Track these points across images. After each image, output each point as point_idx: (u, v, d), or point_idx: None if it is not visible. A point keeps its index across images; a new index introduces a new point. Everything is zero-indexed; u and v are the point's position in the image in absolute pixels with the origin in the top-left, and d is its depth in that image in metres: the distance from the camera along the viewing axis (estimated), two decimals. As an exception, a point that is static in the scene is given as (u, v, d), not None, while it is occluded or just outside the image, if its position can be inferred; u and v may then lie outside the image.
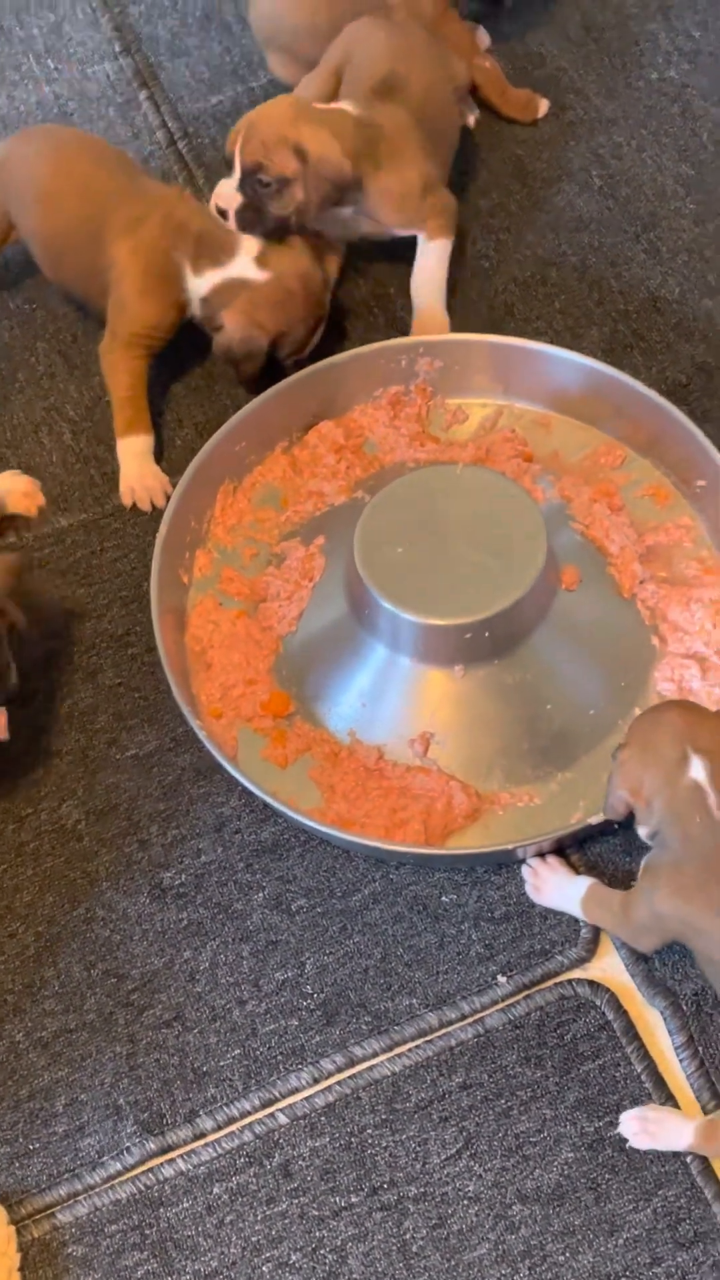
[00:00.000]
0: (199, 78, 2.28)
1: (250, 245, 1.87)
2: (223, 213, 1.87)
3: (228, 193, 1.86)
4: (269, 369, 1.88)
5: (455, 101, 2.04)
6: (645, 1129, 1.45)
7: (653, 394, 1.79)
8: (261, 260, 1.86)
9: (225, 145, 1.88)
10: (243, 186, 1.85)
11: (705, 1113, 1.48)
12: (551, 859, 1.59)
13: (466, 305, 2.02)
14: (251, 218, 1.86)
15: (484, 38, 2.20)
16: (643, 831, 1.44)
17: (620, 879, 1.60)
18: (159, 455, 1.91)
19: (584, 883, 1.55)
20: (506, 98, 2.14)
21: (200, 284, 1.87)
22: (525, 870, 1.60)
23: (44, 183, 1.93)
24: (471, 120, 2.16)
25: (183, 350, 1.92)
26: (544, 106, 2.16)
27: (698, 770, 1.39)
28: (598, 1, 2.29)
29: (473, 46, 2.12)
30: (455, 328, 1.98)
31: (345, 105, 1.91)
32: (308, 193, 1.84)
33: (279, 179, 1.83)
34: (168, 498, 1.85)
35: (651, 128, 2.15)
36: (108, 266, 1.89)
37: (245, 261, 1.86)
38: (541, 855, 1.59)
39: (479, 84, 2.12)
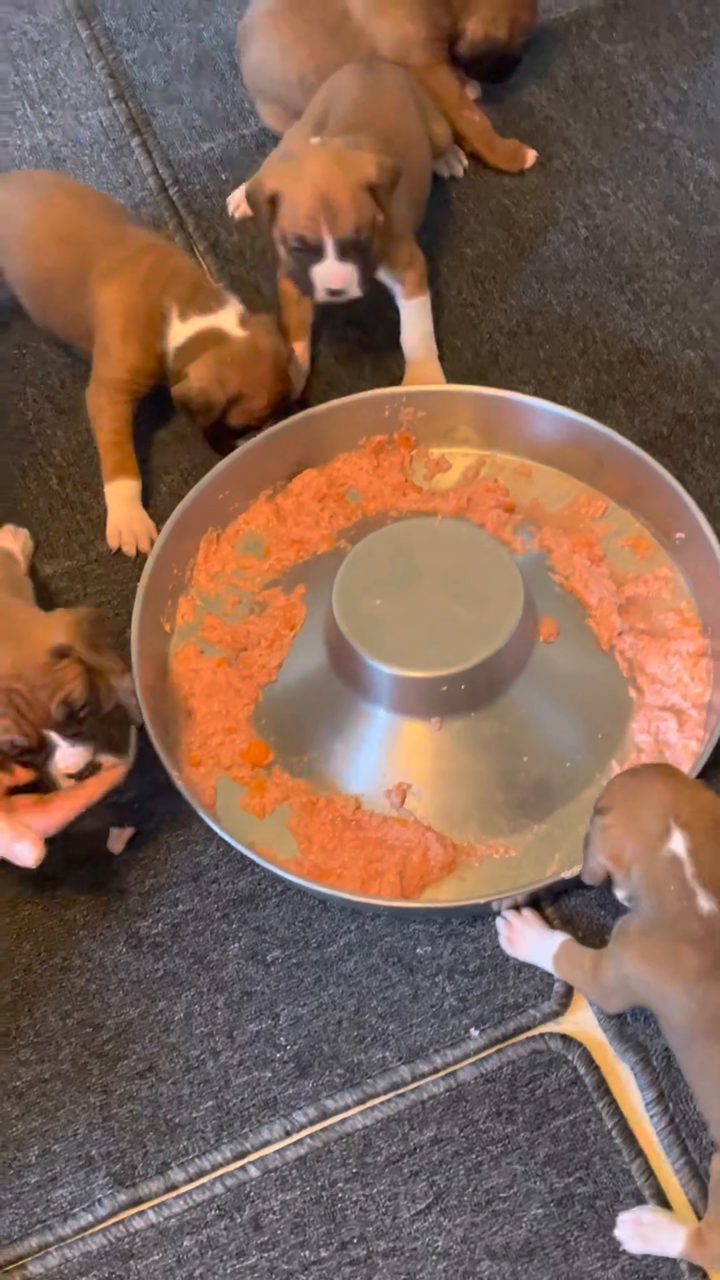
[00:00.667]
0: (191, 125, 2.30)
1: (235, 305, 1.89)
2: (338, 292, 1.84)
3: (340, 270, 1.83)
4: (226, 432, 1.89)
5: (428, 151, 2.05)
6: (639, 1233, 1.44)
7: (633, 446, 1.80)
8: (243, 321, 1.88)
9: (297, 227, 1.84)
10: (345, 255, 1.82)
11: (674, 1171, 1.48)
12: (526, 912, 1.59)
13: (452, 353, 2.03)
14: (364, 276, 1.85)
15: (473, 89, 2.22)
16: (620, 894, 1.45)
17: (595, 932, 1.60)
18: (145, 502, 1.92)
19: (558, 938, 1.55)
20: (494, 148, 2.16)
21: (181, 330, 1.87)
22: (500, 922, 1.60)
23: (29, 229, 1.94)
24: (459, 169, 2.18)
25: (167, 398, 1.93)
26: (531, 157, 2.17)
27: (678, 843, 1.39)
28: (587, 52, 2.30)
29: (462, 98, 2.14)
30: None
31: (351, 141, 1.88)
32: (386, 212, 1.84)
33: (372, 225, 1.83)
34: (153, 543, 1.87)
35: (638, 178, 2.17)
36: (91, 310, 1.90)
37: (229, 316, 1.87)
38: (516, 908, 1.59)
39: (466, 135, 2.14)
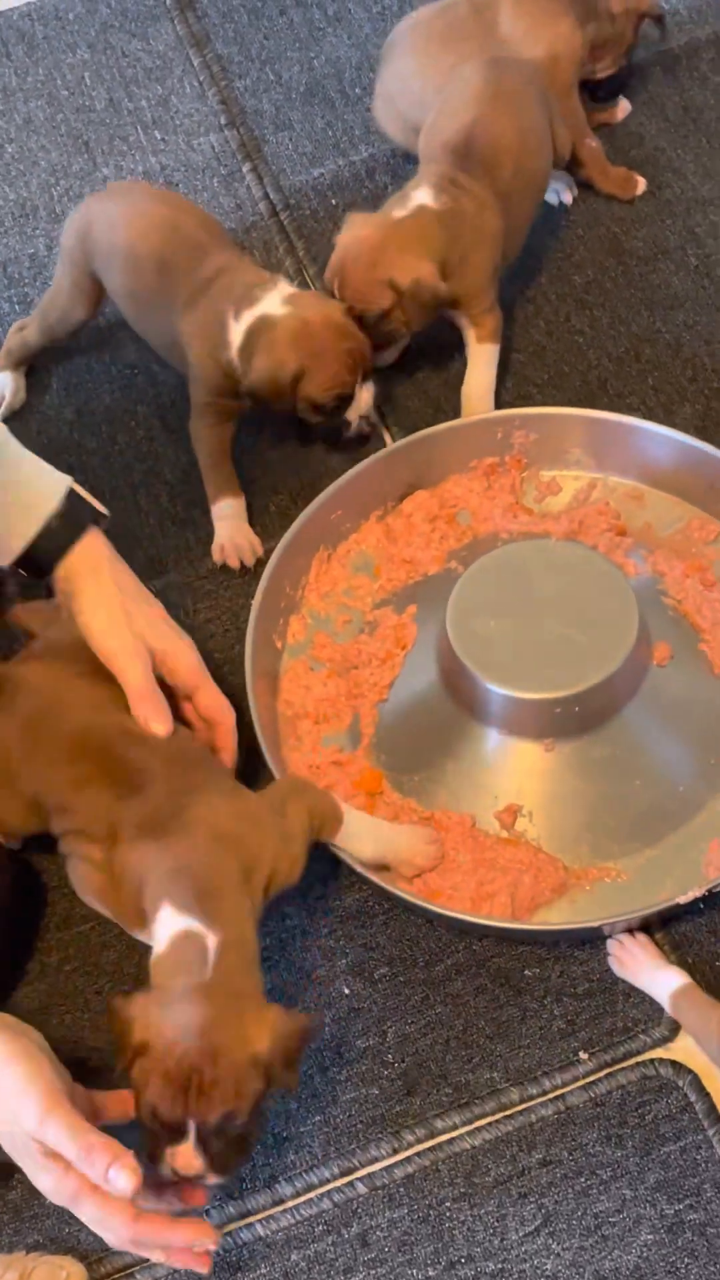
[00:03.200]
0: (301, 151, 2.32)
1: (284, 287, 1.87)
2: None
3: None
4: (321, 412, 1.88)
5: (548, 160, 2.03)
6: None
7: (747, 472, 1.80)
8: (287, 299, 1.85)
9: (325, 277, 1.92)
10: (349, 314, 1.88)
11: (788, 1201, 1.47)
12: (640, 936, 1.58)
13: (560, 379, 2.04)
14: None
15: (625, 105, 2.24)
16: None
17: (705, 959, 1.59)
18: (253, 520, 1.94)
19: (676, 977, 1.53)
20: (607, 175, 2.17)
21: (238, 330, 1.85)
22: (611, 943, 1.59)
23: (126, 248, 1.95)
24: (569, 197, 2.19)
25: (278, 419, 1.94)
26: (642, 184, 2.18)
27: None
28: (697, 82, 2.31)
29: (584, 125, 2.15)
30: (549, 401, 2.00)
31: (424, 195, 1.90)
32: (408, 316, 1.89)
33: (378, 314, 1.87)
34: (258, 558, 1.89)
35: (748, 208, 2.17)
36: (179, 335, 1.92)
37: (273, 300, 1.85)
38: (630, 931, 1.59)
39: (583, 161, 2.15)
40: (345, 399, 1.86)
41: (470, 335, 1.98)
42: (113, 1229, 1.33)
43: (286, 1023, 1.34)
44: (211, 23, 2.49)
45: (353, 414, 1.88)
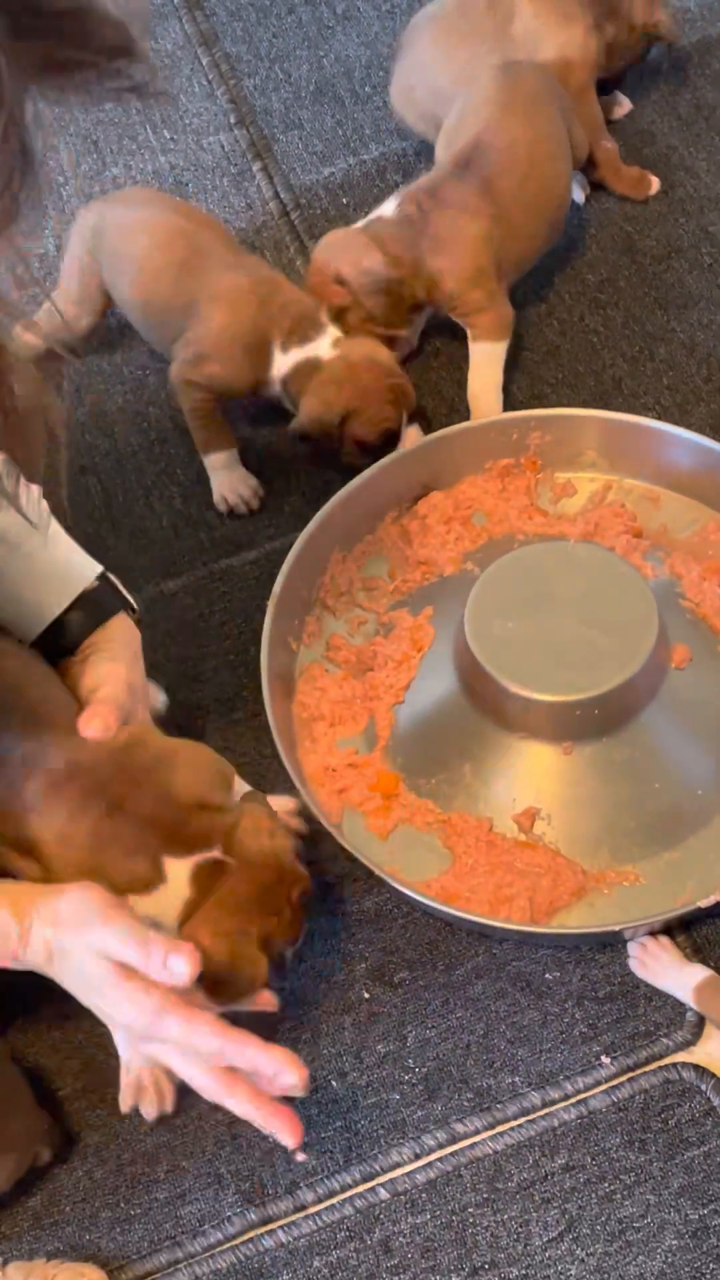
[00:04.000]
0: (311, 150, 2.31)
1: (332, 331, 1.89)
2: None
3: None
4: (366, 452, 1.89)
5: (566, 164, 2.03)
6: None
7: (765, 473, 1.80)
8: (335, 343, 1.88)
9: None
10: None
11: None
12: (663, 938, 1.58)
13: (575, 379, 2.03)
14: None
15: (625, 103, 2.24)
16: None
17: (727, 962, 1.59)
18: (267, 521, 1.93)
19: (699, 970, 1.53)
20: (620, 175, 2.16)
21: (284, 361, 1.88)
22: (633, 945, 1.59)
23: (143, 255, 1.94)
24: (581, 196, 2.18)
25: (287, 422, 1.94)
26: (655, 184, 2.17)
27: None
28: (709, 80, 2.31)
29: (602, 126, 2.14)
30: (563, 401, 1.99)
31: (387, 208, 1.95)
32: (372, 306, 1.92)
33: (335, 310, 1.91)
34: (261, 500, 1.93)
35: (762, 207, 2.17)
36: (194, 325, 1.91)
37: (324, 343, 1.88)
38: (652, 933, 1.58)
39: (598, 161, 2.14)
40: (392, 436, 1.87)
41: (469, 335, 1.97)
42: (201, 1040, 1.29)
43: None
44: (220, 21, 2.48)
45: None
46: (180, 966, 1.29)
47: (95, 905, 1.32)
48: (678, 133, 2.25)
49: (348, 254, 1.92)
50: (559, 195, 2.02)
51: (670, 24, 2.17)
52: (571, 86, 2.08)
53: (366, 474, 1.85)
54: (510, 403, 2.00)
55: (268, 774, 1.74)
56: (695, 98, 2.29)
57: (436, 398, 2.02)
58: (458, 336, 2.01)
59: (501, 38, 2.08)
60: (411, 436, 1.89)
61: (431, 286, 1.94)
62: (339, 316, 1.93)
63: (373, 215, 1.97)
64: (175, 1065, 1.33)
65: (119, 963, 1.30)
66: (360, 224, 1.97)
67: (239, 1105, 1.31)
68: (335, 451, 1.88)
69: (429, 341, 2.07)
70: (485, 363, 1.97)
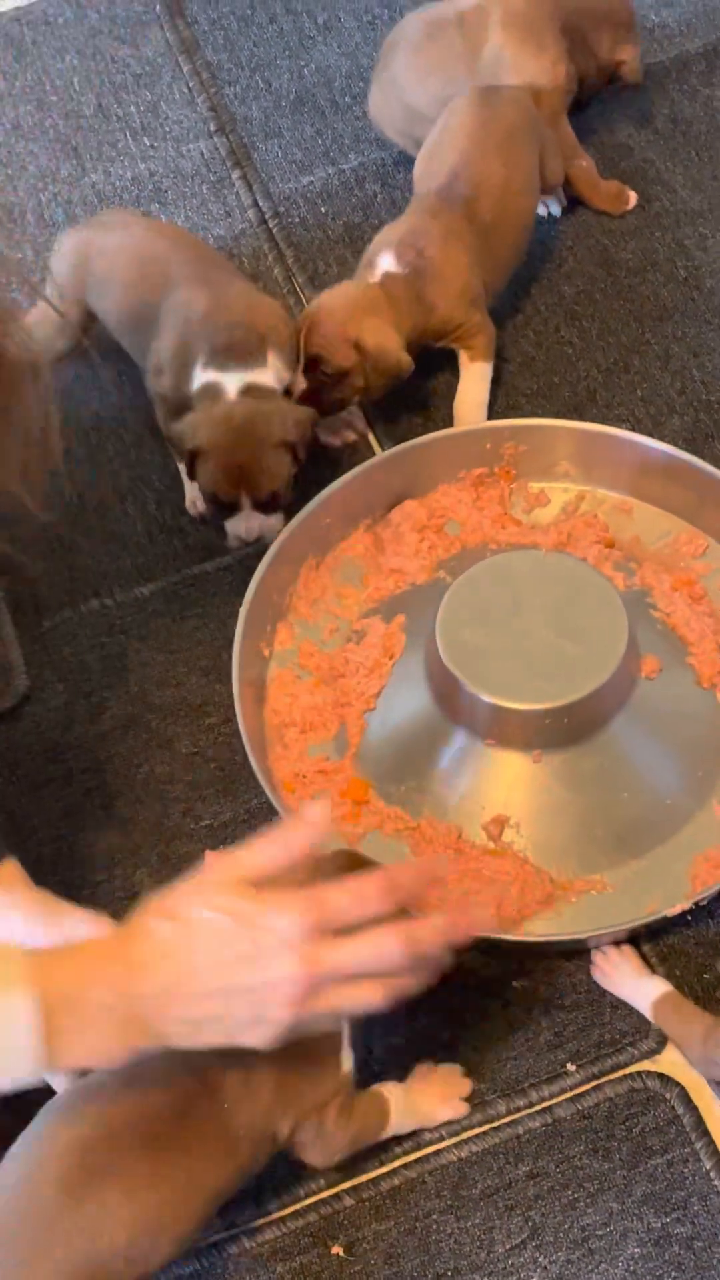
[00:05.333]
0: (291, 159, 2.32)
1: (256, 374, 1.84)
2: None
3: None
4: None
5: (534, 198, 2.06)
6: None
7: (736, 485, 1.81)
8: (245, 390, 1.83)
9: (299, 338, 1.90)
10: (306, 373, 1.88)
11: (775, 1214, 1.47)
12: (625, 947, 1.58)
13: (549, 390, 2.04)
14: (314, 400, 1.89)
15: (632, 199, 2.22)
16: None
17: (693, 971, 1.59)
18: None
19: (658, 984, 1.54)
20: (598, 190, 2.17)
21: (199, 377, 1.85)
22: (595, 954, 1.59)
23: (123, 272, 1.95)
24: (558, 208, 2.19)
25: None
26: (633, 199, 2.18)
27: None
28: (686, 95, 2.32)
29: (576, 146, 2.15)
30: (538, 412, 2.00)
31: (388, 262, 1.92)
32: (368, 381, 1.89)
33: (338, 371, 1.88)
34: None
35: (738, 221, 2.18)
36: (156, 338, 1.91)
37: (235, 381, 1.84)
38: (616, 942, 1.58)
39: (574, 179, 2.16)
40: (224, 505, 1.82)
41: (462, 356, 1.98)
42: (370, 886, 1.22)
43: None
44: (201, 30, 2.49)
45: (234, 528, 1.83)
46: (316, 809, 1.25)
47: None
48: (654, 146, 2.27)
49: (371, 322, 1.88)
50: (528, 225, 2.04)
51: (634, 65, 2.19)
52: (543, 112, 2.09)
53: (340, 482, 1.86)
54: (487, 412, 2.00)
55: (238, 779, 1.75)
56: (672, 112, 2.30)
57: (411, 406, 2.02)
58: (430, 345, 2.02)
59: (473, 63, 2.10)
60: (250, 525, 1.82)
61: (436, 325, 1.94)
62: (339, 381, 1.89)
63: (379, 269, 1.93)
64: (360, 956, 1.22)
65: (249, 886, 1.20)
66: (375, 277, 1.92)
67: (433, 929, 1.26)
68: (192, 473, 1.86)
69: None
70: (477, 382, 1.98)
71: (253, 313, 1.90)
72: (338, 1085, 1.42)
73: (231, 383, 1.84)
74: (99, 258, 1.98)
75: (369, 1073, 1.55)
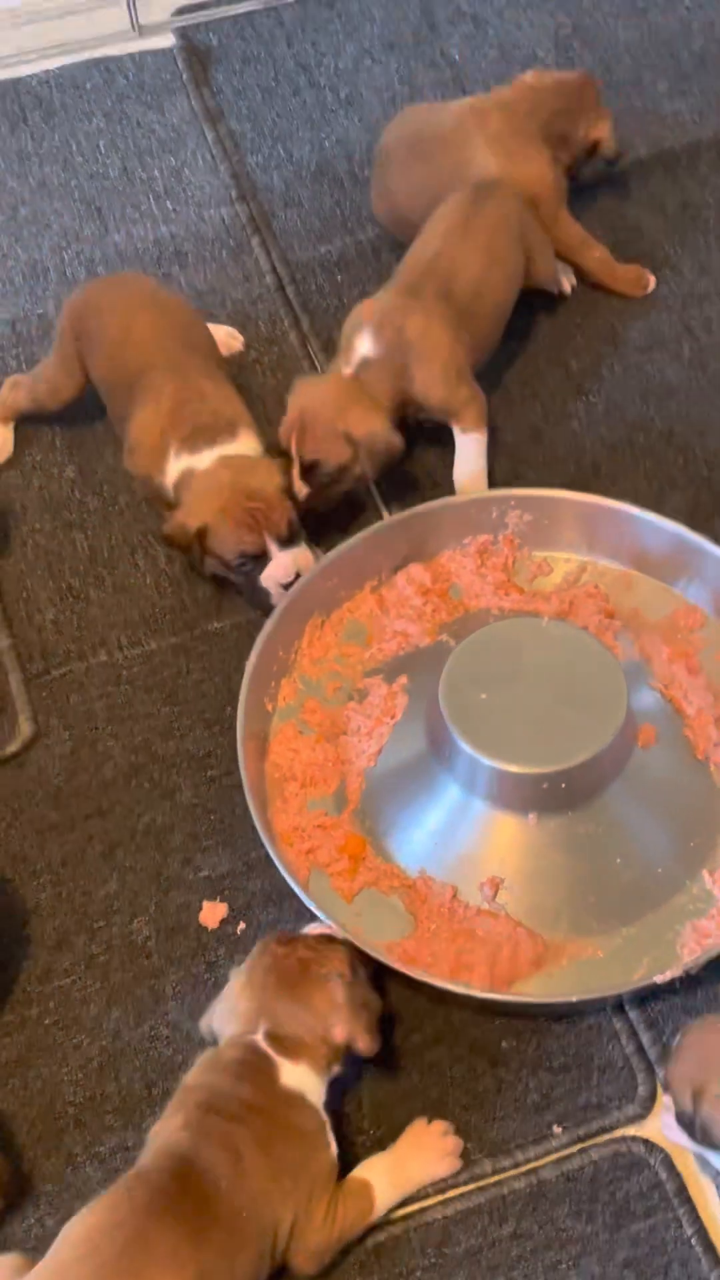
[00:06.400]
0: (309, 227, 2.38)
1: (230, 447, 1.90)
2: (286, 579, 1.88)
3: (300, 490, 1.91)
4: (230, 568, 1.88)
5: (511, 292, 2.08)
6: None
7: (735, 562, 1.85)
8: (218, 459, 1.88)
9: (280, 434, 1.94)
10: (306, 477, 1.92)
11: (755, 1283, 1.48)
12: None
13: (554, 462, 2.09)
14: (319, 501, 1.94)
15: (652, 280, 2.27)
16: None
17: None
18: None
19: None
20: (616, 276, 2.22)
21: (175, 468, 1.90)
22: (665, 1111, 1.53)
23: (110, 331, 2.00)
24: (568, 286, 2.24)
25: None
26: (652, 282, 2.23)
27: None
28: (697, 181, 2.38)
29: (585, 239, 2.20)
30: (542, 483, 2.04)
31: (366, 345, 1.96)
32: (364, 467, 1.93)
33: (338, 468, 1.92)
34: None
35: (742, 305, 2.24)
36: (130, 414, 1.96)
37: (207, 456, 1.89)
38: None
39: (591, 271, 2.21)
40: (253, 558, 1.85)
41: (454, 427, 2.02)
42: None
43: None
44: (226, 99, 2.55)
45: (269, 580, 1.86)
46: None
47: None
48: (664, 230, 2.32)
49: (356, 412, 1.92)
50: (503, 316, 2.08)
51: (609, 139, 2.25)
52: (543, 216, 2.15)
53: (347, 544, 1.90)
54: (491, 482, 2.04)
55: (238, 831, 1.77)
56: (683, 197, 2.36)
57: (417, 471, 2.06)
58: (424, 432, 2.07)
59: (455, 176, 2.13)
60: (282, 565, 1.85)
61: (420, 400, 1.98)
62: (336, 478, 1.92)
63: (357, 353, 1.97)
64: None
65: None
66: (351, 364, 1.96)
67: None
68: (200, 561, 1.89)
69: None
70: (473, 453, 2.02)
71: (221, 401, 1.94)
72: (326, 1168, 1.46)
73: (205, 461, 1.88)
74: (93, 313, 2.02)
75: (357, 1128, 1.57)
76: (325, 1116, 1.49)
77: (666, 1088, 1.49)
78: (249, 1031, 1.50)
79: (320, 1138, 1.47)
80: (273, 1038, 1.49)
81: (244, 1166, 1.42)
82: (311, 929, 1.61)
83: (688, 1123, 1.46)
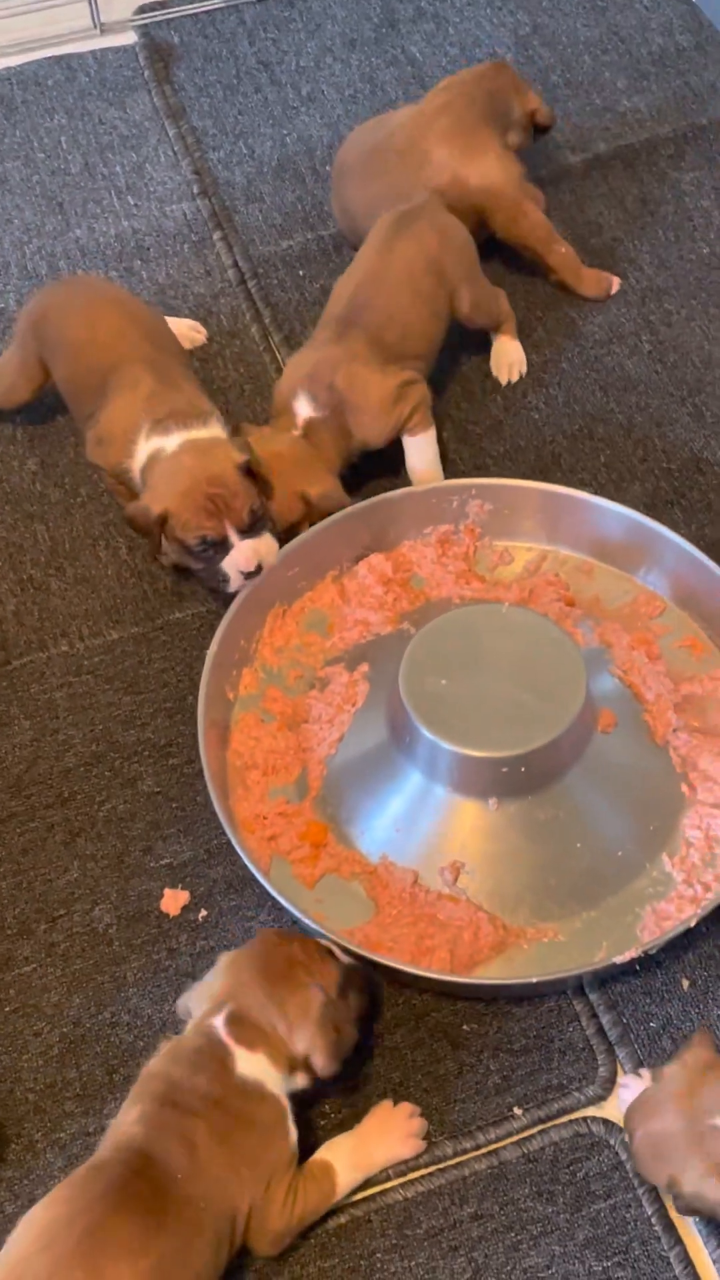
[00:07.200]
0: (271, 223, 2.39)
1: (197, 431, 1.89)
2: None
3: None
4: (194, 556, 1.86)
5: (435, 321, 2.06)
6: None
7: (694, 549, 1.86)
8: (183, 443, 1.87)
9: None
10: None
11: (713, 1261, 1.49)
12: (645, 1072, 1.57)
13: (516, 453, 2.10)
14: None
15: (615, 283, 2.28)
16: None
17: (640, 1019, 1.62)
18: (211, 576, 1.97)
19: None
20: (581, 278, 2.23)
21: (144, 450, 1.90)
22: (622, 1088, 1.58)
23: (74, 332, 2.00)
24: (513, 376, 2.18)
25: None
26: (616, 284, 2.25)
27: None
28: (655, 177, 2.40)
29: (551, 235, 2.20)
30: (504, 474, 2.05)
31: (305, 408, 1.96)
32: (311, 520, 1.93)
33: (289, 525, 1.92)
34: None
35: (701, 299, 2.25)
36: (101, 408, 1.96)
37: (174, 439, 1.88)
38: (636, 1072, 1.59)
39: (556, 268, 2.22)
40: (213, 544, 1.83)
41: (404, 437, 2.02)
42: None
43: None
44: (187, 96, 2.56)
45: (230, 565, 1.84)
46: None
47: None
48: (623, 225, 2.34)
49: (309, 473, 1.93)
50: (438, 345, 2.07)
51: (543, 108, 2.27)
52: (505, 208, 2.16)
53: (309, 533, 1.90)
54: (453, 473, 2.06)
55: (199, 819, 1.77)
56: (641, 192, 2.38)
57: (379, 462, 2.06)
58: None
59: (416, 183, 2.14)
60: (243, 553, 1.83)
61: (366, 443, 1.99)
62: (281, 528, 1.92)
63: (299, 415, 1.96)
64: None
65: None
66: (298, 426, 1.95)
67: None
68: (156, 547, 1.87)
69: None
70: (423, 449, 2.02)
71: (194, 395, 1.95)
72: (285, 1156, 1.46)
73: (173, 443, 1.88)
74: (53, 318, 2.02)
75: (318, 1112, 1.57)
76: (285, 1103, 1.49)
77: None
78: (214, 1013, 1.50)
79: (279, 1127, 1.47)
80: (234, 1022, 1.49)
81: (200, 1158, 1.42)
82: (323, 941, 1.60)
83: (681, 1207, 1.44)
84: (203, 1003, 1.53)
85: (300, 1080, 1.51)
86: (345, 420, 1.97)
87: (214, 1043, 1.48)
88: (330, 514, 1.93)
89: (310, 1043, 1.49)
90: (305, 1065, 1.50)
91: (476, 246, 2.12)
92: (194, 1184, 1.41)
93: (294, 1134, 1.48)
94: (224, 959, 1.55)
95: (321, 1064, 1.50)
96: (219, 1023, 1.49)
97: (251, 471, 1.84)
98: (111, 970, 1.68)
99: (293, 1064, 1.50)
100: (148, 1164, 1.41)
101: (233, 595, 1.86)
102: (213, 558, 1.84)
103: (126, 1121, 1.46)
